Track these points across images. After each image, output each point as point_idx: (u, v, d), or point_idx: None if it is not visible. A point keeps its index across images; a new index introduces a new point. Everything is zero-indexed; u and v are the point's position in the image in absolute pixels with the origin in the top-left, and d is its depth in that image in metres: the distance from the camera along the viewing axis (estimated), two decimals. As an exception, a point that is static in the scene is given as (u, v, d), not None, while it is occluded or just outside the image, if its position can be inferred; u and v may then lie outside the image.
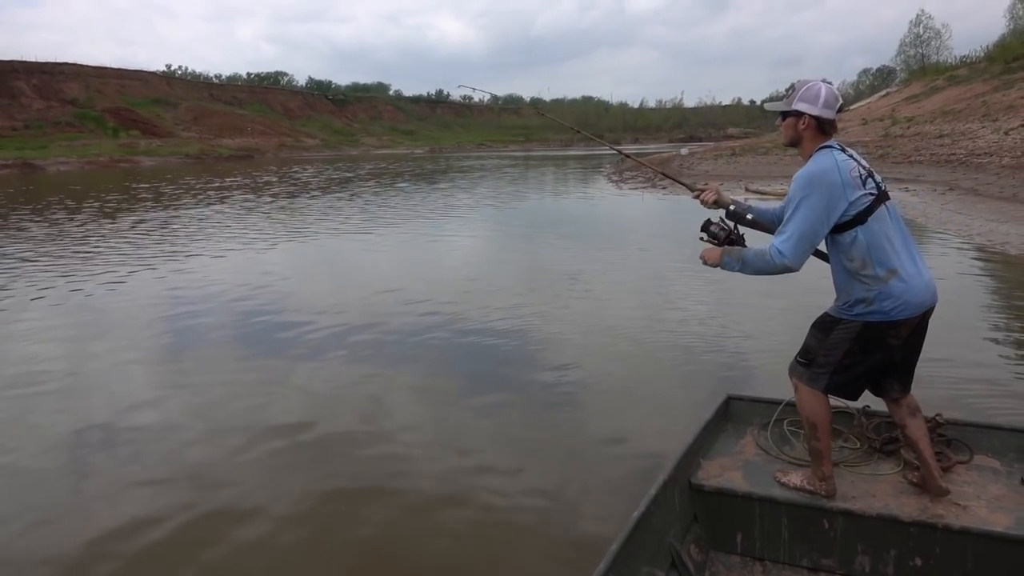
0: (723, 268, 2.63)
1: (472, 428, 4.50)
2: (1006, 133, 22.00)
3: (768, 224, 2.78)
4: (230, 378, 5.45)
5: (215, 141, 66.49)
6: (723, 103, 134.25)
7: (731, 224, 2.77)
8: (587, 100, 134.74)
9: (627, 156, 4.25)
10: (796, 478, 2.68)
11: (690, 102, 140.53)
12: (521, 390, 5.06)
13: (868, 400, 2.82)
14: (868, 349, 2.49)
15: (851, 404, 2.96)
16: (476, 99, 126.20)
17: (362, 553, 3.24)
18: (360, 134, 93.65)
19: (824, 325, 2.58)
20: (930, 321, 2.57)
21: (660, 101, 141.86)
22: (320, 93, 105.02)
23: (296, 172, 36.81)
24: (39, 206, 19.59)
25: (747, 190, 19.51)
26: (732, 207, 2.83)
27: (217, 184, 28.19)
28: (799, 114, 2.53)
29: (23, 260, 10.79)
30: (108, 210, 18.69)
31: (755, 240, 2.72)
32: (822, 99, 2.50)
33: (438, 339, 6.29)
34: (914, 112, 34.48)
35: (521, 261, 10.67)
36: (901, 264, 2.41)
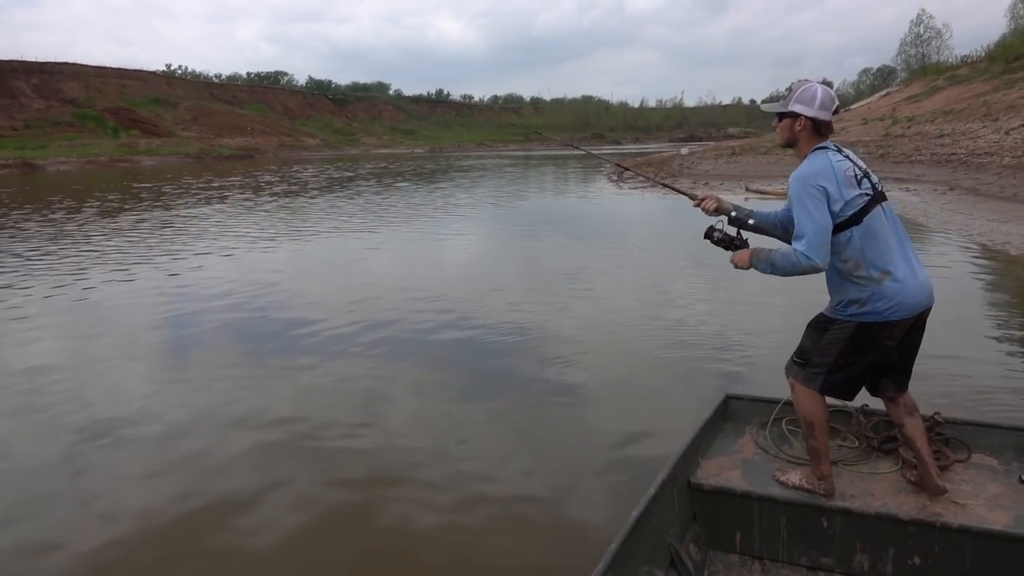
0: (755, 269, 2.64)
1: (471, 427, 4.50)
2: (1007, 133, 22.00)
3: (770, 228, 2.79)
4: (231, 377, 5.45)
5: (215, 141, 66.48)
6: (723, 103, 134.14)
7: (733, 230, 2.80)
8: (587, 100, 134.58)
9: (625, 168, 4.14)
10: (795, 477, 2.68)
11: (690, 102, 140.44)
12: (520, 389, 5.07)
13: (866, 399, 2.82)
14: (863, 349, 2.50)
15: (849, 403, 2.96)
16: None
17: (361, 550, 3.24)
18: (360, 134, 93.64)
19: (819, 325, 2.59)
20: (930, 320, 2.57)
21: (660, 101, 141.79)
22: (320, 93, 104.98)
23: (296, 171, 36.82)
24: (39, 206, 19.59)
25: (747, 190, 19.52)
26: (733, 213, 2.84)
27: (217, 184, 28.19)
28: (795, 115, 2.54)
29: (24, 259, 10.79)
30: (109, 210, 18.69)
31: (755, 242, 2.73)
32: (818, 100, 2.50)
33: (438, 338, 6.29)
34: (915, 112, 34.49)
35: (522, 260, 10.67)
36: (895, 265, 2.42)
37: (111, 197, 22.76)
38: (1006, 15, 51.60)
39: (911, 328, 2.51)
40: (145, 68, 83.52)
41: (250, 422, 4.55)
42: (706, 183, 22.63)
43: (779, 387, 2.95)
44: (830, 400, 2.66)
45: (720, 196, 2.91)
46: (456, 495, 3.64)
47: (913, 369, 2.65)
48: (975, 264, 9.18)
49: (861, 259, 2.42)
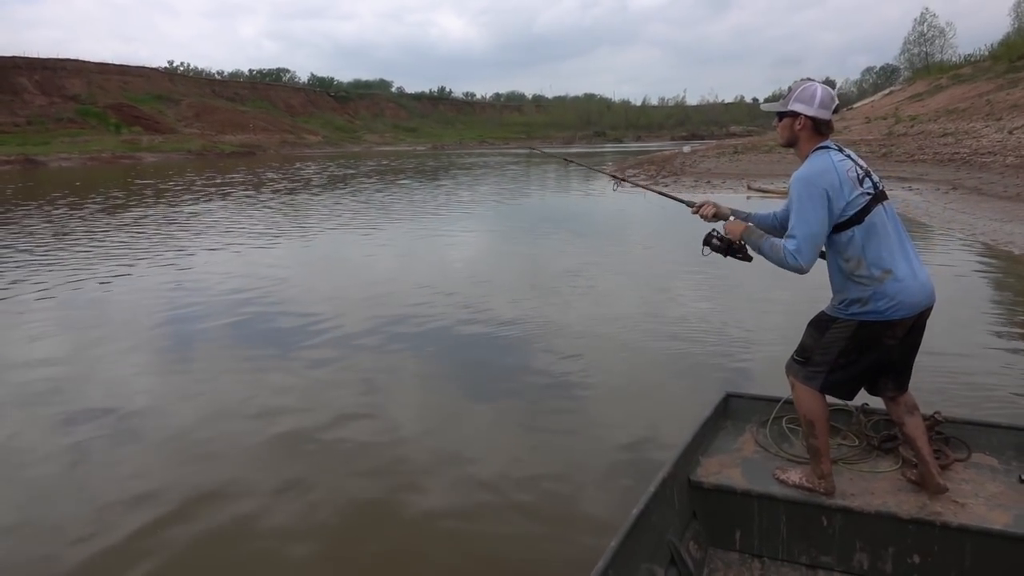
0: (744, 242, 2.70)
1: (472, 425, 4.51)
2: (1010, 132, 21.98)
3: (768, 230, 2.80)
4: (235, 374, 5.46)
5: (217, 137, 66.50)
6: (726, 101, 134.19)
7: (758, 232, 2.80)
8: (589, 98, 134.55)
9: (623, 180, 4.03)
10: (795, 475, 2.69)
11: (692, 100, 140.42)
12: (521, 387, 5.07)
13: (866, 398, 2.82)
14: (864, 348, 2.50)
15: (849, 402, 2.96)
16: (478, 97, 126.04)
17: (363, 546, 3.25)
18: (362, 131, 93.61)
19: (820, 324, 2.59)
20: (932, 319, 2.58)
21: (663, 99, 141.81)
22: (322, 90, 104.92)
23: (298, 169, 36.83)
24: (42, 202, 19.61)
25: (750, 188, 19.51)
26: (731, 217, 2.86)
27: (219, 180, 28.21)
28: (795, 114, 2.54)
29: (27, 256, 10.82)
30: (111, 206, 18.71)
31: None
32: (818, 99, 2.51)
33: (441, 335, 6.30)
34: (918, 111, 34.45)
35: (524, 258, 10.66)
36: (896, 264, 2.42)
37: (114, 194, 22.79)
38: (1010, 14, 51.54)
39: (912, 327, 2.51)
40: (147, 65, 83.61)
41: (254, 418, 4.57)
42: (708, 182, 22.62)
43: (780, 385, 2.95)
44: (830, 399, 2.66)
45: (717, 201, 2.92)
46: (457, 493, 3.65)
47: (913, 368, 2.66)
48: (978, 264, 9.17)
49: (863, 258, 2.42)
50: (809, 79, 2.61)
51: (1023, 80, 30.70)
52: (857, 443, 2.96)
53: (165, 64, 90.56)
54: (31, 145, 50.32)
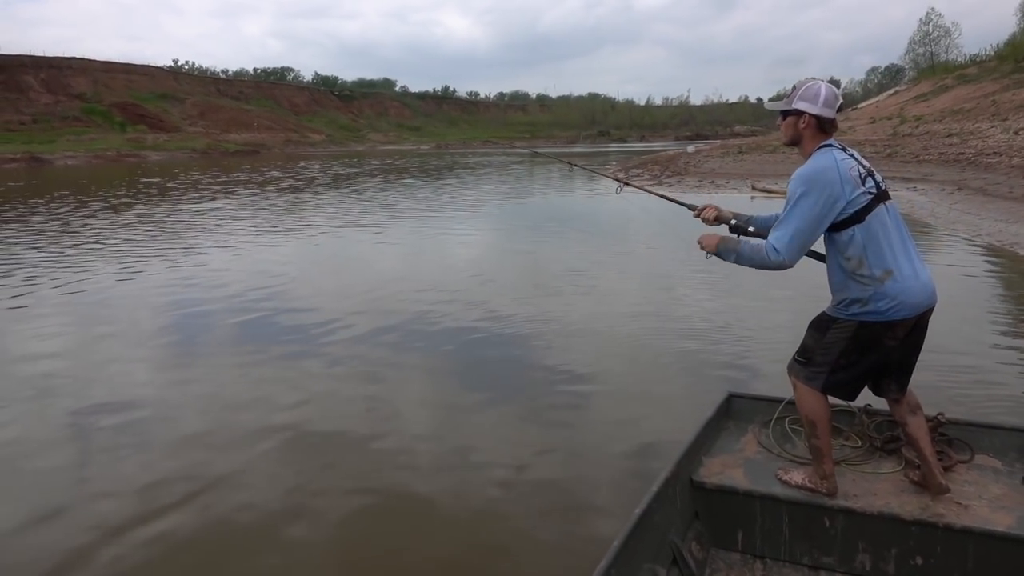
0: (719, 256, 2.67)
1: (475, 424, 4.51)
2: (1016, 132, 21.90)
3: (768, 232, 2.80)
4: (238, 373, 5.47)
5: (221, 136, 66.67)
6: (730, 101, 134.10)
7: (735, 237, 2.80)
8: (593, 97, 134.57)
9: (626, 183, 3.98)
10: (797, 476, 2.68)
11: (697, 100, 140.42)
12: (524, 387, 5.07)
13: (869, 399, 2.82)
14: (864, 349, 2.49)
15: (852, 403, 2.96)
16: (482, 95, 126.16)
17: (366, 547, 3.25)
18: (366, 130, 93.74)
19: (821, 324, 2.59)
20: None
21: (667, 99, 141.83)
22: (326, 89, 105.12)
23: (302, 168, 36.90)
24: (47, 200, 19.68)
25: (754, 188, 19.48)
26: (733, 221, 2.86)
27: (224, 179, 28.27)
28: (799, 113, 2.54)
29: (33, 253, 10.85)
30: (116, 204, 18.77)
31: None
32: (822, 98, 2.50)
33: (443, 335, 6.31)
34: (923, 111, 34.36)
35: (526, 258, 10.66)
36: (897, 264, 2.41)
37: (118, 192, 22.85)
38: (1015, 14, 51.30)
39: (913, 328, 2.50)
40: (152, 63, 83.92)
41: (257, 418, 4.57)
42: (712, 182, 22.59)
43: (783, 386, 2.95)
44: (833, 399, 2.65)
45: (719, 205, 2.92)
46: (459, 493, 3.65)
47: (917, 368, 2.65)
48: (983, 264, 9.14)
49: (864, 258, 2.41)
50: (813, 78, 2.61)
51: (1029, 80, 30.62)
52: (860, 444, 2.95)
53: (170, 63, 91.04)
54: (37, 143, 50.53)
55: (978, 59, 49.26)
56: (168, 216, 15.90)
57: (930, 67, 57.99)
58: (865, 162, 2.53)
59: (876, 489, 2.63)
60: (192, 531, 3.31)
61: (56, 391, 5.11)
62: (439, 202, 18.98)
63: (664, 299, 7.55)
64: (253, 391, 5.05)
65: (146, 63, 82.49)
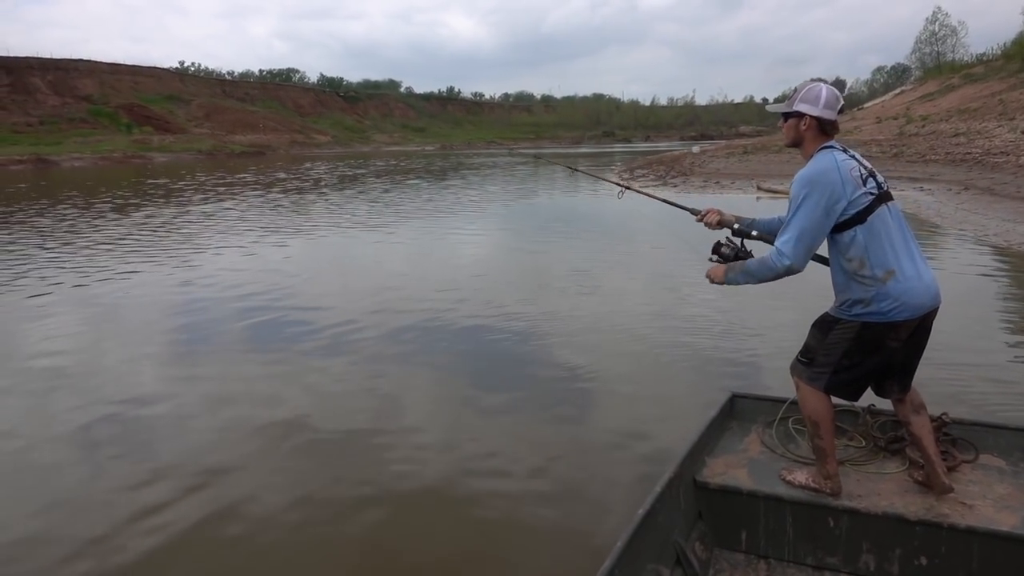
0: (728, 284, 2.68)
1: (479, 425, 4.52)
2: (1023, 132, 21.78)
3: (772, 235, 2.80)
4: (242, 373, 5.49)
5: (227, 137, 66.88)
6: (735, 101, 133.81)
7: (738, 241, 2.82)
8: (598, 98, 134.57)
9: (628, 188, 3.97)
10: (801, 476, 2.68)
11: (702, 100, 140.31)
12: (528, 387, 5.08)
13: (873, 399, 2.82)
14: (867, 350, 2.49)
15: (855, 403, 2.95)
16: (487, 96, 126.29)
17: (370, 547, 3.26)
18: (371, 131, 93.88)
19: (824, 325, 2.59)
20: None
21: (672, 99, 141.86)
22: (331, 90, 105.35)
23: (308, 169, 36.98)
24: (54, 202, 19.78)
25: (759, 188, 19.43)
26: (736, 225, 2.87)
27: (230, 180, 28.36)
28: (800, 115, 2.55)
29: (40, 254, 10.91)
30: (122, 206, 18.85)
31: (760, 251, 2.74)
32: (823, 100, 2.51)
33: (447, 336, 6.32)
34: (929, 110, 34.21)
35: (531, 258, 10.66)
36: (900, 265, 2.41)
37: (125, 193, 22.95)
38: (1022, 13, 51.04)
39: (916, 329, 2.50)
40: (158, 65, 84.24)
41: (265, 415, 4.59)
42: (717, 182, 22.55)
43: (786, 386, 2.95)
44: (836, 399, 2.65)
45: (721, 209, 2.92)
46: (462, 493, 3.66)
47: (919, 368, 2.64)
48: (989, 264, 9.11)
49: (865, 258, 2.42)
50: (819, 79, 2.61)
51: (1036, 79, 30.45)
52: (864, 444, 2.95)
53: (176, 64, 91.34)
54: (44, 145, 50.76)
55: (985, 58, 48.98)
56: (175, 217, 15.96)
57: (936, 66, 57.71)
58: (866, 163, 2.53)
59: (880, 489, 2.63)
60: (198, 528, 3.33)
61: (65, 388, 5.14)
62: (445, 203, 19.01)
63: (669, 299, 7.55)
64: (261, 389, 5.07)
65: (152, 65, 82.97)
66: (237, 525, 3.38)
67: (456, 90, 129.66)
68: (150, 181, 28.60)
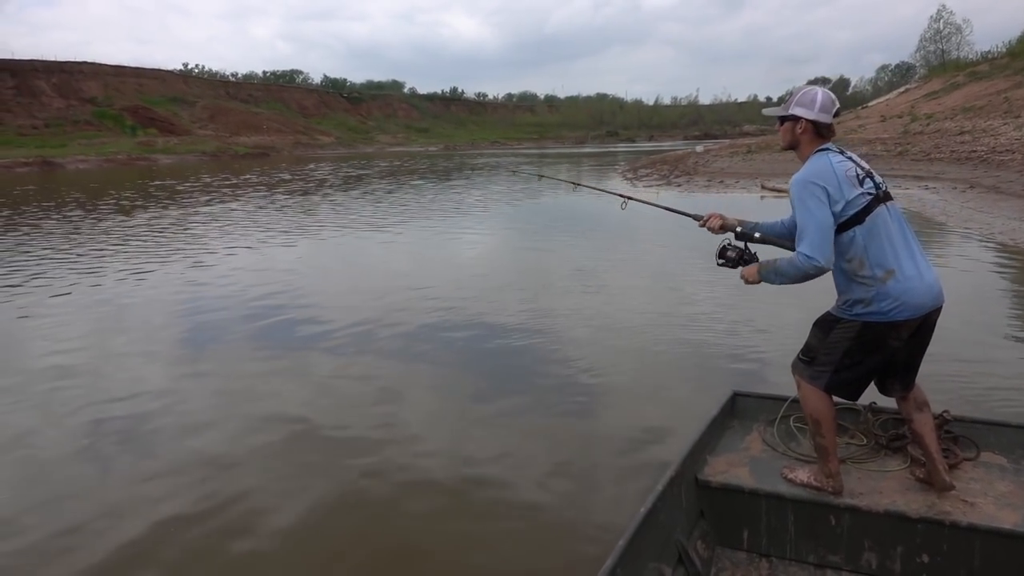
0: (765, 282, 2.65)
1: (484, 423, 4.53)
2: (1028, 130, 21.67)
3: (777, 237, 2.82)
4: (248, 375, 5.51)
5: (231, 139, 66.98)
6: (738, 100, 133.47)
7: (742, 244, 2.83)
8: (602, 97, 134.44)
9: (630, 198, 3.95)
10: (803, 474, 2.69)
11: (705, 99, 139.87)
12: (531, 386, 5.09)
13: (875, 397, 2.82)
14: (868, 349, 2.50)
15: (857, 401, 2.95)
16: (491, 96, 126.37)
17: (374, 547, 3.28)
18: (375, 132, 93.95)
19: (825, 324, 2.60)
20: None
21: (675, 98, 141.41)
22: (335, 91, 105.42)
23: (312, 170, 37.03)
24: (59, 204, 19.85)
25: (763, 188, 19.39)
26: (739, 228, 2.87)
27: (234, 182, 28.43)
28: (796, 119, 2.57)
29: (44, 257, 10.96)
30: (127, 208, 18.91)
31: (765, 253, 2.75)
32: (818, 103, 2.53)
33: (452, 335, 6.33)
34: (934, 109, 34.05)
35: (536, 257, 10.68)
36: (900, 265, 2.42)
37: (130, 195, 23.02)
38: (1028, 10, 50.69)
39: (919, 329, 2.50)
40: (162, 67, 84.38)
41: (266, 419, 4.61)
42: (721, 181, 22.51)
43: (788, 384, 2.95)
44: (838, 398, 2.65)
45: (723, 213, 2.93)
46: (464, 492, 3.67)
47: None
48: (995, 262, 9.08)
49: (865, 258, 2.42)
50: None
51: (1041, 77, 30.30)
52: (865, 442, 2.95)
53: (180, 66, 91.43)
54: (49, 147, 50.88)
55: (990, 56, 48.67)
56: (181, 218, 16.01)
57: (941, 64, 57.35)
58: (864, 164, 2.54)
59: (882, 487, 2.63)
60: (202, 527, 3.35)
61: (76, 386, 5.18)
62: (450, 203, 19.02)
63: (673, 298, 7.55)
64: (265, 390, 5.09)
65: (156, 67, 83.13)
66: (241, 525, 3.40)
67: (459, 90, 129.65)
68: (155, 183, 28.68)
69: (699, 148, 38.80)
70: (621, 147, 73.42)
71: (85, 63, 72.93)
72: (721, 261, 2.82)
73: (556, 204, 19.33)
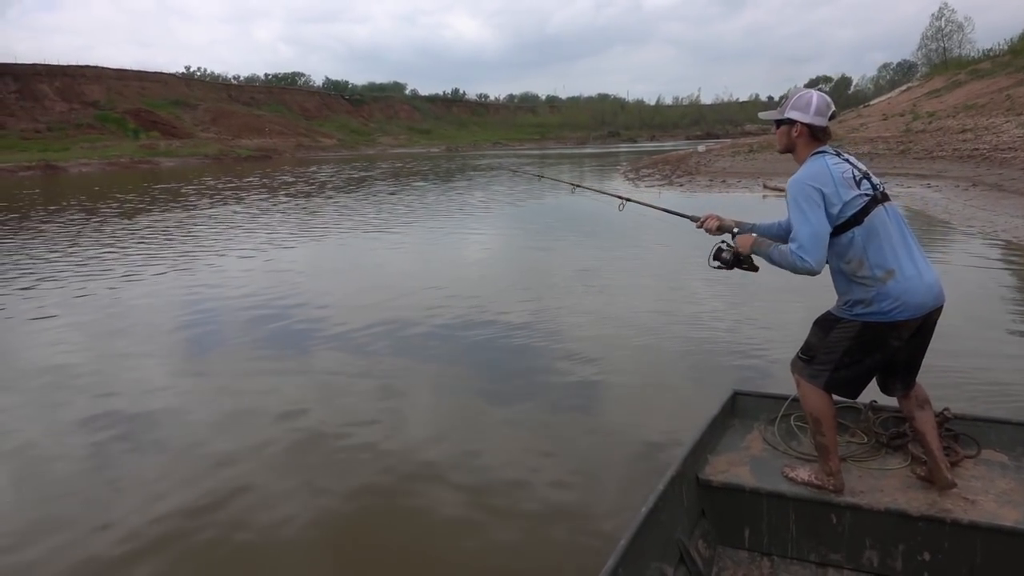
0: (754, 255, 2.72)
1: (486, 424, 4.53)
2: (1030, 127, 21.63)
3: (773, 238, 2.82)
4: (252, 377, 5.52)
5: (233, 142, 67.08)
6: (740, 100, 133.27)
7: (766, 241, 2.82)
8: (603, 98, 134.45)
9: (628, 199, 3.99)
10: (803, 473, 2.69)
11: (707, 99, 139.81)
12: (533, 386, 5.10)
13: (875, 395, 2.82)
14: (868, 349, 2.50)
15: (857, 399, 2.95)
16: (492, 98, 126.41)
17: (377, 547, 3.29)
18: (377, 133, 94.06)
19: (825, 323, 2.60)
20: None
21: (677, 98, 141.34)
22: (337, 93, 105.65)
23: (314, 172, 37.09)
24: (62, 207, 19.91)
25: (765, 187, 19.38)
26: (736, 229, 2.88)
27: (236, 184, 28.48)
28: (792, 122, 2.58)
29: (48, 260, 10.99)
30: (129, 211, 18.95)
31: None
32: (813, 107, 2.54)
33: (455, 336, 6.34)
34: (936, 107, 34.01)
35: (538, 257, 10.69)
36: (899, 265, 2.42)
37: (132, 198, 23.07)
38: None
39: (919, 329, 2.51)
40: (165, 70, 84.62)
41: (271, 420, 4.62)
42: (723, 181, 22.50)
43: (788, 383, 2.95)
44: (838, 396, 2.66)
45: (719, 215, 2.93)
46: (466, 492, 3.67)
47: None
48: (998, 260, 9.07)
49: (864, 259, 2.43)
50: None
51: (1044, 75, 30.24)
52: (866, 440, 2.95)
53: (182, 69, 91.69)
54: (52, 151, 51.06)
55: (991, 54, 48.61)
56: (183, 221, 16.04)
57: (943, 63, 57.27)
58: (861, 165, 2.55)
59: (883, 485, 2.63)
60: (203, 532, 3.35)
61: (73, 392, 5.18)
62: (452, 204, 19.04)
63: (675, 297, 7.56)
64: (267, 395, 5.09)
65: (159, 70, 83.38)
66: (240, 529, 3.40)
67: (461, 92, 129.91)
68: (158, 186, 28.75)
69: (701, 148, 38.77)
70: (623, 147, 73.43)
71: (87, 66, 73.17)
72: (716, 263, 2.83)
73: (558, 204, 19.33)
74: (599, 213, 16.60)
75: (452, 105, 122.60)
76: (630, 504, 3.06)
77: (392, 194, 22.76)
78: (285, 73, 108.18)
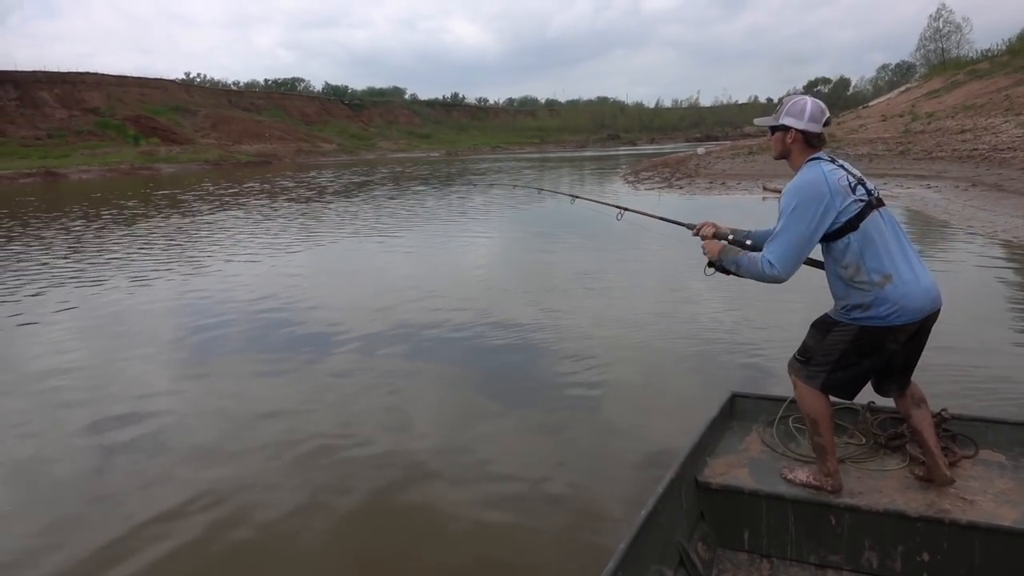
0: (721, 263, 2.72)
1: (487, 427, 4.54)
2: (1029, 127, 21.64)
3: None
4: (253, 381, 5.54)
5: (234, 147, 67.16)
6: (739, 102, 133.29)
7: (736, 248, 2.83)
8: (603, 101, 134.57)
9: (625, 209, 4.04)
10: (802, 475, 2.69)
11: (706, 101, 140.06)
12: (534, 388, 5.11)
13: (872, 396, 2.82)
14: (865, 352, 2.52)
15: (855, 400, 2.96)
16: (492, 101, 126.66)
17: (373, 551, 3.29)
18: (376, 138, 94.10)
19: (822, 326, 2.62)
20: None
21: (676, 100, 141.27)
22: (336, 98, 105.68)
23: (314, 177, 37.12)
24: (62, 214, 19.94)
25: (765, 189, 19.39)
26: (731, 236, 2.90)
27: (236, 190, 28.51)
28: (786, 128, 2.59)
29: (49, 266, 11.01)
30: (130, 217, 18.98)
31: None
32: (807, 113, 2.55)
33: (456, 339, 6.35)
34: (935, 107, 34.02)
35: (538, 261, 10.70)
36: (896, 269, 2.44)
37: (132, 204, 23.10)
38: (1028, 8, 50.60)
39: (916, 332, 2.52)
40: (165, 77, 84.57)
41: (273, 425, 4.63)
42: (723, 183, 22.51)
43: (787, 385, 2.95)
44: (835, 397, 2.67)
45: (715, 222, 2.96)
46: (465, 495, 3.68)
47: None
48: (998, 260, 9.07)
49: (861, 264, 2.44)
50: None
51: (1042, 74, 30.25)
52: (864, 441, 2.96)
53: (182, 75, 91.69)
54: (52, 158, 51.05)
55: (990, 54, 48.61)
56: (183, 227, 16.07)
57: (941, 63, 57.28)
58: (855, 171, 2.57)
59: (881, 486, 2.63)
60: (205, 538, 3.36)
61: (74, 400, 5.19)
62: (451, 209, 19.06)
63: (673, 300, 7.56)
64: (269, 399, 5.11)
65: (159, 76, 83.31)
66: (244, 531, 3.41)
67: (461, 96, 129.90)
68: (158, 192, 28.79)
69: (700, 150, 38.82)
70: (623, 150, 73.43)
71: (88, 73, 73.23)
72: (711, 270, 2.85)
73: (557, 210, 19.33)
74: (598, 217, 16.61)
75: (452, 109, 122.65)
76: (630, 505, 3.07)
77: (392, 199, 22.78)
78: (285, 78, 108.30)
